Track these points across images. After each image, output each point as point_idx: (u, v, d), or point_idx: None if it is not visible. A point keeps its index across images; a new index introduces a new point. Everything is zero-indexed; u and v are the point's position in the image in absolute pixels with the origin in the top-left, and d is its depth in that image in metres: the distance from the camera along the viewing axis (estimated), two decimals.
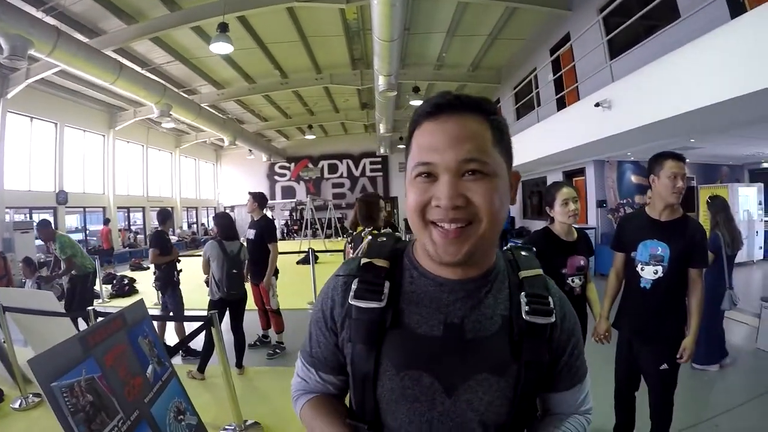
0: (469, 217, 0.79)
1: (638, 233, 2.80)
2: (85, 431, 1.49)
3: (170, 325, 5.95)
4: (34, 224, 13.33)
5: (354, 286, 0.89)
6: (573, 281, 2.87)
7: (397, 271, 0.93)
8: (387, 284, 0.88)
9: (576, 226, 2.98)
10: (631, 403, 3.03)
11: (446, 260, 0.82)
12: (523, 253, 1.00)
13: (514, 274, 0.94)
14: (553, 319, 0.88)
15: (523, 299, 0.88)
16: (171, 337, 5.80)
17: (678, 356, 2.62)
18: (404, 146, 0.92)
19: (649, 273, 2.70)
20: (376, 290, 0.87)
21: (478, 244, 0.81)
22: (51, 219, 14.67)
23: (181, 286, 5.86)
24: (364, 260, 0.93)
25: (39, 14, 9.29)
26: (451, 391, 0.84)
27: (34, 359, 1.43)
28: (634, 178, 11.45)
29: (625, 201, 11.32)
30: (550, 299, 0.90)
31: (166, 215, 6.04)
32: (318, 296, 1.00)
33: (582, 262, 2.88)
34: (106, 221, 17.43)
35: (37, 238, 11.66)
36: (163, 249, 5.65)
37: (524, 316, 0.86)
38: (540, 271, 0.95)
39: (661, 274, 2.66)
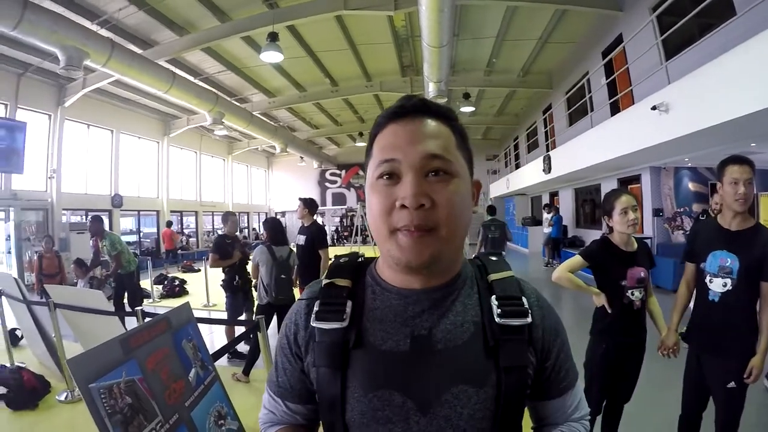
0: (432, 223, 0.74)
1: (708, 243, 2.63)
2: None
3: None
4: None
5: (316, 308, 0.85)
6: (633, 294, 2.72)
7: (359, 289, 0.88)
8: (349, 303, 0.84)
9: (634, 236, 2.85)
10: (698, 425, 2.81)
11: (414, 263, 0.76)
12: (492, 258, 0.95)
13: (482, 278, 0.90)
14: (529, 320, 0.82)
15: (494, 302, 0.83)
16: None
17: (746, 375, 2.42)
18: (366, 155, 0.87)
19: (717, 285, 2.53)
20: (338, 310, 0.83)
21: (442, 248, 0.77)
22: (106, 220, 15.35)
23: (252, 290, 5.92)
24: (325, 281, 0.89)
25: (94, 27, 9.74)
26: (425, 408, 0.78)
27: (74, 359, 1.43)
28: (691, 186, 10.96)
29: (682, 209, 10.86)
30: (525, 300, 0.85)
31: (224, 217, 6.26)
32: (282, 323, 0.96)
33: (642, 274, 2.73)
34: (168, 223, 18.30)
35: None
36: (222, 253, 5.75)
37: (497, 320, 0.81)
38: (511, 273, 0.90)
39: (730, 287, 2.48)
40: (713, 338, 2.58)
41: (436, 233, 0.75)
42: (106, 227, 7.62)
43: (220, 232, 6.11)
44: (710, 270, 2.58)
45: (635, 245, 2.81)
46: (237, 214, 6.26)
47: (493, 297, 0.84)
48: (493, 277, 0.88)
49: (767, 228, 2.53)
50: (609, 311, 2.75)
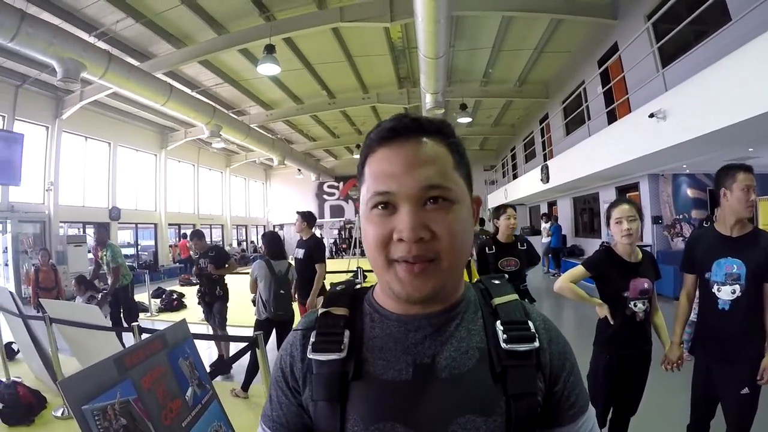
0: (432, 254, 0.71)
1: (711, 252, 2.61)
2: None
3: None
4: (88, 237, 13.95)
5: (312, 339, 0.81)
6: (635, 305, 2.69)
7: (357, 317, 0.84)
8: (347, 333, 0.80)
9: (639, 246, 2.83)
10: None
11: (414, 296, 0.73)
12: (494, 281, 0.91)
13: (486, 303, 0.85)
14: (536, 344, 0.78)
15: (499, 328, 0.79)
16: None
17: (758, 377, 2.42)
18: (357, 176, 0.83)
19: (726, 293, 2.52)
20: (336, 340, 0.79)
21: (445, 280, 0.74)
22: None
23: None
24: (321, 310, 0.85)
25: (91, 39, 9.76)
26: None
27: (66, 381, 1.39)
28: (690, 192, 10.95)
29: (681, 216, 10.85)
30: (531, 324, 0.81)
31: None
32: (277, 354, 0.91)
33: (646, 285, 2.69)
34: (184, 235, 19.02)
35: (89, 251, 12.20)
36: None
37: (503, 345, 0.77)
38: (515, 297, 0.86)
39: (739, 294, 2.48)
40: (726, 347, 2.57)
41: (438, 264, 0.72)
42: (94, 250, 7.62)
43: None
44: (717, 279, 2.56)
45: (640, 256, 2.77)
46: (203, 235, 6.36)
47: (498, 322, 0.80)
48: (497, 301, 0.84)
49: (766, 232, 2.58)
50: (611, 322, 2.73)
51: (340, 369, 0.77)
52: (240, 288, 6.86)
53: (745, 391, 2.46)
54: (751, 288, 2.45)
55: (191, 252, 6.40)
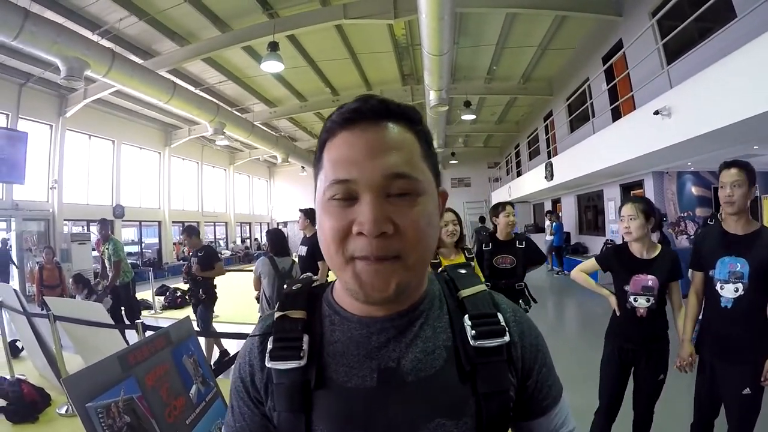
0: (396, 251, 0.65)
1: (715, 250, 2.60)
2: None
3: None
4: (92, 235, 13.96)
5: (269, 346, 0.74)
6: (636, 300, 2.74)
7: (316, 320, 0.78)
8: (306, 338, 0.74)
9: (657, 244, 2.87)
10: None
11: (373, 297, 0.67)
12: (460, 270, 0.86)
13: (452, 296, 0.81)
14: (507, 339, 0.74)
15: (467, 323, 0.74)
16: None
17: (762, 378, 2.38)
18: (314, 162, 0.76)
19: (729, 291, 2.50)
20: (294, 347, 0.73)
21: (409, 278, 0.68)
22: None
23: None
24: (277, 314, 0.78)
25: (94, 37, 9.78)
26: None
27: (70, 378, 1.39)
28: (694, 190, 10.89)
29: (685, 214, 10.79)
30: (500, 316, 0.76)
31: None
32: (235, 362, 0.84)
33: (650, 283, 2.70)
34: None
35: (93, 249, 12.22)
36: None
37: (471, 342, 0.72)
38: (483, 287, 0.81)
39: (742, 292, 2.45)
40: (728, 345, 2.55)
41: (401, 262, 0.66)
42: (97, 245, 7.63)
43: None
44: (720, 277, 2.54)
45: (655, 253, 2.79)
46: (192, 232, 6.19)
47: (466, 316, 0.75)
48: (464, 293, 0.79)
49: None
50: (618, 314, 2.87)
51: (301, 377, 0.72)
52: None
53: (747, 391, 2.44)
54: (753, 287, 2.43)
55: (183, 248, 6.19)
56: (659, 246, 2.84)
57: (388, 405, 0.70)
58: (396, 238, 0.65)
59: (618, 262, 2.87)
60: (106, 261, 6.88)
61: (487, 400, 0.71)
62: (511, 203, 4.42)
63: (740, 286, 2.46)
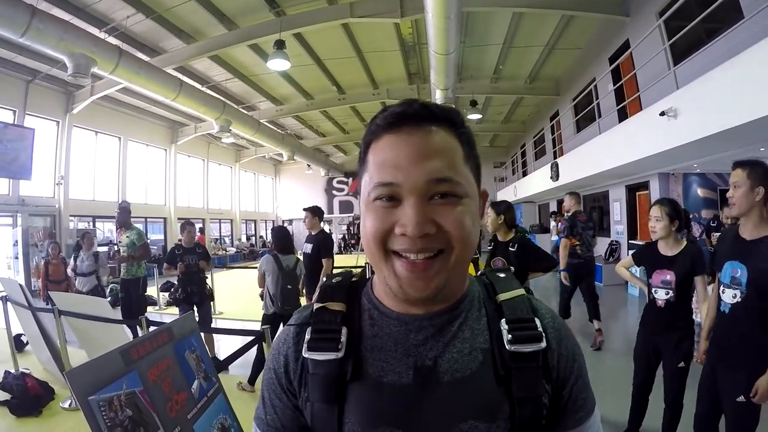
0: (439, 245, 0.67)
1: (725, 252, 2.59)
2: None
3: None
4: (98, 231, 13.95)
5: (307, 336, 0.75)
6: (656, 292, 3.07)
7: (355, 313, 0.79)
8: (344, 330, 0.75)
9: (640, 243, 3.01)
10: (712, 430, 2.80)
11: (413, 296, 0.69)
12: (500, 275, 0.85)
13: (490, 299, 0.81)
14: (543, 345, 0.73)
15: (503, 326, 0.74)
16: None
17: (751, 394, 2.33)
18: (359, 162, 0.79)
19: (728, 296, 2.48)
20: (332, 338, 0.74)
21: (449, 276, 0.69)
22: (113, 228, 15.49)
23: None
24: (317, 305, 0.79)
25: (101, 34, 9.81)
26: None
27: (72, 371, 1.39)
28: (700, 192, 10.84)
29: (691, 216, 10.75)
30: (538, 322, 0.76)
31: (181, 227, 6.09)
32: (269, 353, 0.85)
33: (668, 277, 2.99)
34: (201, 230, 19.17)
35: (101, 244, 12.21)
36: (170, 263, 5.74)
37: (507, 346, 0.72)
38: (521, 292, 0.80)
39: (740, 299, 2.41)
40: (724, 350, 2.56)
41: (445, 257, 0.68)
42: (113, 236, 7.53)
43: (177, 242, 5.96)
44: (723, 280, 2.53)
45: (678, 250, 3.04)
46: (194, 224, 6.09)
47: (503, 320, 0.75)
48: (502, 297, 0.79)
49: None
50: (648, 302, 3.20)
51: (338, 369, 0.73)
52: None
53: (741, 399, 2.39)
54: (752, 295, 2.37)
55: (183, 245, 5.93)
56: (684, 243, 3.07)
57: (422, 403, 0.71)
58: (438, 237, 0.67)
59: (646, 258, 3.22)
60: (124, 249, 6.59)
61: (521, 405, 0.71)
62: (494, 204, 4.32)
63: (738, 292, 2.43)
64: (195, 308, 5.69)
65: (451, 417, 0.70)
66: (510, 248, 4.06)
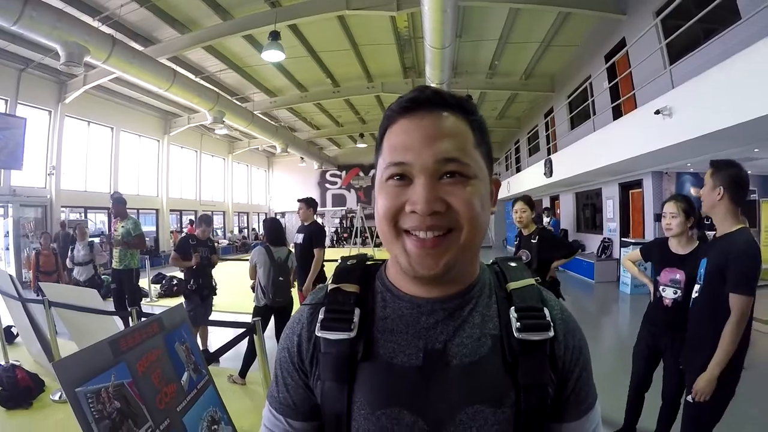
0: (448, 224, 0.69)
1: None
2: None
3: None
4: (90, 222, 13.86)
5: (320, 316, 0.78)
6: (664, 290, 3.02)
7: (368, 295, 0.81)
8: (357, 311, 0.77)
9: (632, 240, 3.03)
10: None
11: (422, 273, 0.71)
12: (511, 264, 0.87)
13: (501, 287, 0.82)
14: (551, 334, 0.75)
15: (513, 314, 0.76)
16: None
17: (692, 394, 2.36)
18: (375, 149, 0.80)
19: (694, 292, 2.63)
20: (345, 318, 0.76)
21: (458, 255, 0.71)
22: (105, 219, 15.41)
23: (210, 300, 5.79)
24: (331, 286, 0.82)
25: (95, 23, 9.72)
26: (438, 429, 0.71)
27: (60, 362, 1.38)
28: (693, 191, 10.85)
29: None
30: (547, 312, 0.77)
31: (201, 219, 6.05)
32: (283, 332, 0.87)
33: (678, 276, 2.95)
34: (191, 221, 19.39)
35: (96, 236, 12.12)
36: (183, 254, 5.54)
37: (516, 334, 0.73)
38: (531, 281, 0.82)
39: (697, 294, 2.59)
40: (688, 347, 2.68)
41: (452, 237, 0.70)
42: (105, 226, 7.46)
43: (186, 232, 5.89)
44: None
45: (690, 249, 2.97)
46: (212, 221, 6.02)
47: (513, 308, 0.77)
48: (512, 285, 0.81)
49: (743, 233, 2.39)
50: (652, 299, 3.17)
51: (349, 349, 0.75)
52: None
53: (689, 398, 2.44)
54: (704, 288, 2.50)
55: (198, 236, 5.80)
56: (697, 242, 3.00)
57: (430, 385, 0.73)
58: (447, 215, 0.69)
59: (656, 255, 3.15)
60: (118, 238, 6.50)
61: (526, 392, 0.72)
62: (523, 198, 4.50)
63: (698, 286, 2.59)
64: (204, 301, 5.70)
65: (458, 400, 0.71)
66: (532, 240, 4.25)
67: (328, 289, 0.82)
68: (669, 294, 2.97)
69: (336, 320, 0.76)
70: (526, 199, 4.45)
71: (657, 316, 3.09)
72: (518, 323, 0.74)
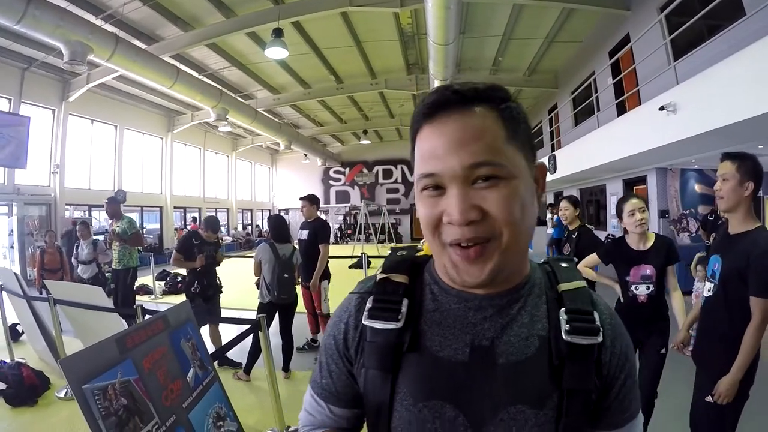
0: (487, 234, 0.67)
1: (713, 246, 2.66)
2: None
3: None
4: (94, 220, 13.87)
5: (368, 305, 0.77)
6: (637, 289, 2.99)
7: (417, 287, 0.80)
8: (405, 302, 0.77)
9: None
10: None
11: (469, 282, 0.70)
12: (563, 264, 0.85)
13: (552, 288, 0.80)
14: (599, 339, 0.73)
15: (563, 316, 0.74)
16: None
17: (714, 394, 2.25)
18: (410, 154, 0.78)
19: (706, 290, 2.49)
20: (393, 309, 0.76)
21: (502, 261, 0.69)
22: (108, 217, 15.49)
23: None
24: (380, 276, 0.82)
25: (98, 21, 9.73)
26: (479, 426, 0.70)
27: (67, 359, 1.38)
28: (697, 188, 10.83)
29: (687, 211, 10.74)
30: (597, 316, 0.75)
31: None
32: (330, 319, 0.88)
33: (648, 272, 2.95)
34: (194, 219, 19.42)
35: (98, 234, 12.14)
36: (186, 254, 5.23)
37: (564, 336, 0.72)
38: (583, 284, 0.79)
39: (712, 293, 2.42)
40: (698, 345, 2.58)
41: (494, 244, 0.68)
42: (108, 224, 7.43)
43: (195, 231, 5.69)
44: (707, 273, 2.52)
45: (649, 244, 3.02)
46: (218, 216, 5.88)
47: (562, 310, 0.75)
48: (563, 287, 0.79)
49: (763, 232, 2.25)
50: (622, 301, 3.12)
51: (396, 339, 0.75)
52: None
53: (709, 399, 2.30)
54: (720, 289, 2.35)
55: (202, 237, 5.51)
56: (653, 236, 3.07)
57: (474, 381, 0.72)
58: (484, 223, 0.67)
59: (619, 256, 3.11)
60: (114, 240, 6.50)
61: (570, 396, 0.71)
62: (568, 197, 4.76)
63: (712, 286, 2.42)
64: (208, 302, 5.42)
65: (502, 399, 0.71)
66: (572, 236, 4.50)
67: (377, 278, 0.82)
68: (642, 291, 2.98)
69: (384, 309, 0.77)
70: (572, 199, 4.69)
71: (634, 315, 2.95)
72: (567, 325, 0.73)
